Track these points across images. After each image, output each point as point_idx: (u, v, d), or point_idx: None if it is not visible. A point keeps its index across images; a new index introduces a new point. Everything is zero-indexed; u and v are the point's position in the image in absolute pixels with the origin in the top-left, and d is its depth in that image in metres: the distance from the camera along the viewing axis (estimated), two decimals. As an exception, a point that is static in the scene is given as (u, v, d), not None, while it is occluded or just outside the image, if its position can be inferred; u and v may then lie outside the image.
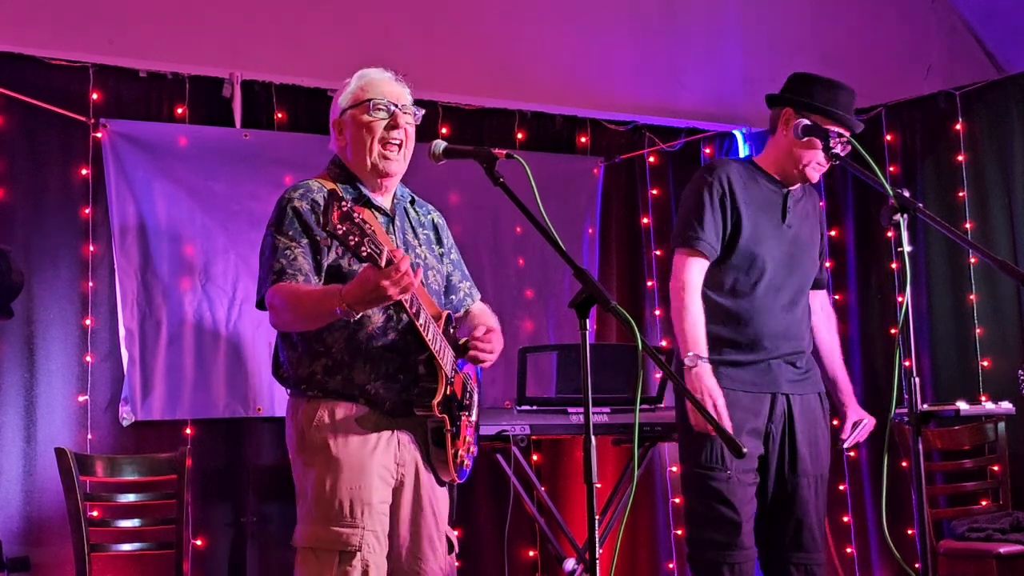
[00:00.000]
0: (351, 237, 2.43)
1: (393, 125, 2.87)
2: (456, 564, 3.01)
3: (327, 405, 2.81)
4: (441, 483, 2.95)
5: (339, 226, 2.41)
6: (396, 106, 2.88)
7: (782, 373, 3.47)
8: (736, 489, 3.38)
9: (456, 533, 3.02)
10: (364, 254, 2.46)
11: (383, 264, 2.49)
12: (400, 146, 2.89)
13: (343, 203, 2.42)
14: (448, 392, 2.84)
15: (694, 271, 3.43)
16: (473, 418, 3.02)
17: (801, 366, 3.52)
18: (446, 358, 2.84)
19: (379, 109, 2.87)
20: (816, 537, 3.47)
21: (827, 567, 3.54)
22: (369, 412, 2.81)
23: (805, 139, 3.34)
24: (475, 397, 3.03)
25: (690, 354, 3.35)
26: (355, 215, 2.43)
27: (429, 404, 2.79)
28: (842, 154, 3.33)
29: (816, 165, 3.48)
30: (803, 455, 3.46)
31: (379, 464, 2.80)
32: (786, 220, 3.52)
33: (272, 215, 2.86)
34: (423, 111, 2.96)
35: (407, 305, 2.67)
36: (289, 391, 2.92)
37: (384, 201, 2.94)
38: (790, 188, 3.55)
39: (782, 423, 3.46)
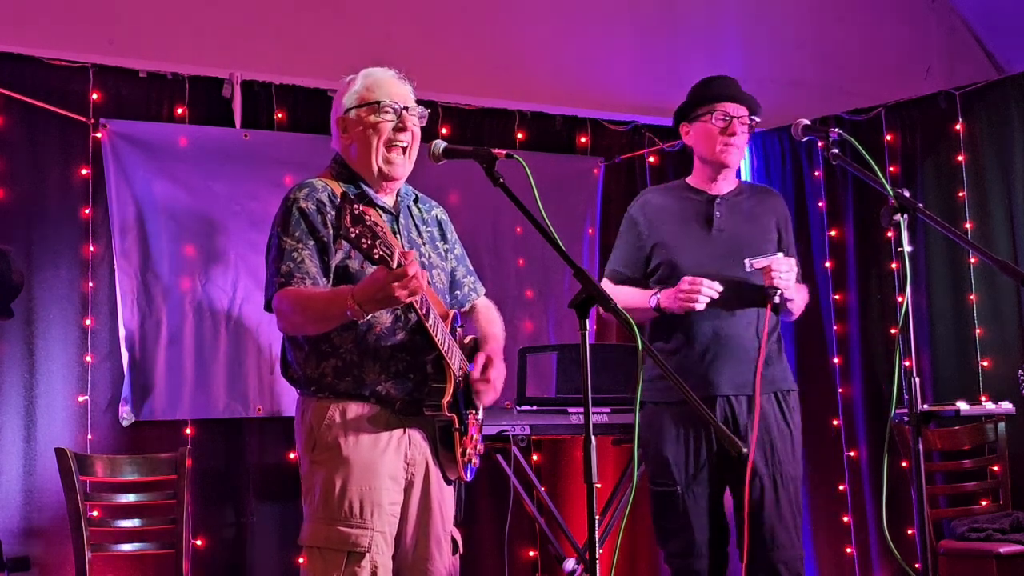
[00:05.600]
0: (363, 240, 2.44)
1: (401, 127, 2.89)
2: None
3: (338, 405, 2.81)
4: (448, 482, 2.95)
5: (352, 229, 2.42)
6: (404, 108, 2.89)
7: (720, 376, 3.48)
8: (686, 500, 3.48)
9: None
10: (376, 256, 2.47)
11: (394, 266, 2.50)
12: (406, 149, 2.91)
13: (355, 206, 2.43)
14: (456, 390, 2.84)
15: (607, 289, 3.60)
16: (480, 416, 3.03)
17: (747, 366, 3.50)
18: (454, 357, 2.85)
19: (387, 111, 2.88)
20: (779, 535, 3.46)
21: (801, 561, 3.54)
22: (380, 411, 2.82)
23: (697, 127, 3.62)
24: None
25: (650, 304, 3.48)
26: (367, 218, 2.44)
27: (439, 403, 2.80)
28: (741, 126, 3.55)
29: (721, 148, 3.57)
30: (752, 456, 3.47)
31: (390, 464, 2.80)
32: (714, 225, 3.58)
33: (277, 215, 2.86)
34: (428, 111, 2.97)
35: (417, 306, 2.67)
36: (299, 391, 2.91)
37: (387, 200, 2.95)
38: (720, 194, 3.63)
39: (726, 427, 3.45)
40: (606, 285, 3.63)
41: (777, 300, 3.48)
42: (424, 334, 2.78)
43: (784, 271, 3.46)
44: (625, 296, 3.55)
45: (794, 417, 3.57)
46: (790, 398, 3.58)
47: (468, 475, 2.97)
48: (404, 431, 2.84)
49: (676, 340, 3.52)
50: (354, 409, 2.81)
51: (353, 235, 2.43)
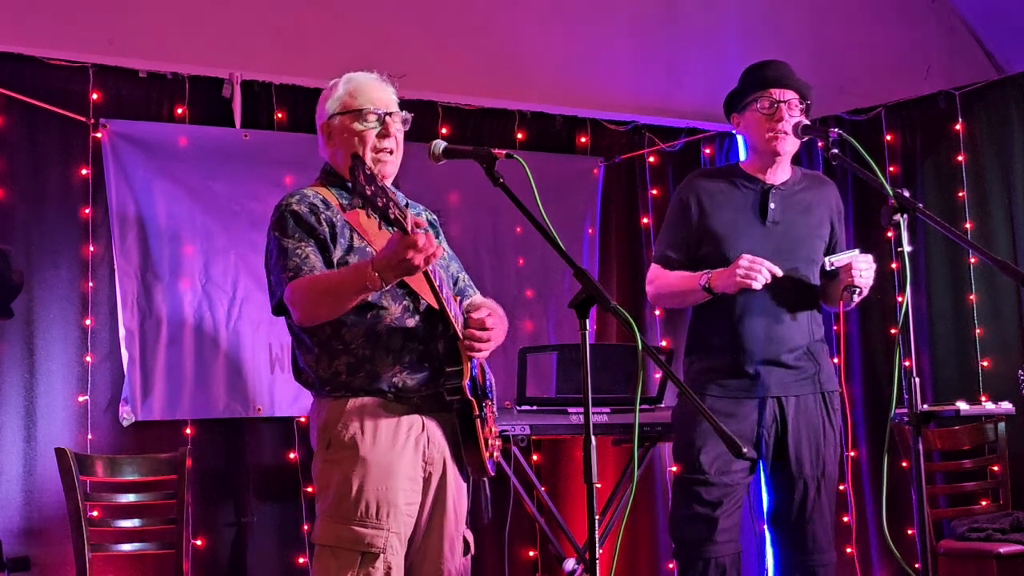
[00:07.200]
0: (379, 199, 2.44)
1: (384, 134, 2.87)
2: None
3: (355, 402, 2.78)
4: (465, 479, 2.93)
5: (367, 187, 2.42)
6: (387, 114, 2.89)
7: (771, 376, 3.46)
8: (713, 490, 3.43)
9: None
10: (392, 216, 2.47)
11: (409, 229, 2.49)
12: (391, 153, 2.90)
13: (367, 167, 2.43)
14: (473, 374, 2.82)
15: (656, 273, 3.60)
16: (494, 408, 3.01)
17: (798, 366, 3.50)
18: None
19: (369, 118, 2.87)
20: (819, 538, 3.47)
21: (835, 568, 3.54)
22: (397, 408, 2.80)
23: (747, 115, 3.51)
24: (493, 385, 3.03)
25: (700, 283, 3.41)
26: (379, 178, 2.44)
27: (458, 386, 2.78)
28: (789, 111, 3.44)
29: (769, 135, 3.48)
30: (799, 457, 3.46)
31: (408, 464, 2.78)
32: (768, 217, 3.50)
33: (272, 223, 2.85)
34: (412, 115, 2.96)
35: (431, 276, 2.67)
36: (314, 393, 2.89)
37: None
38: (775, 184, 3.54)
39: (774, 427, 3.46)
40: (656, 270, 3.58)
41: (857, 298, 3.39)
42: (432, 321, 2.78)
43: (864, 269, 3.38)
44: (674, 279, 3.51)
45: (836, 418, 3.57)
46: (834, 399, 3.57)
47: (491, 469, 2.93)
48: (423, 429, 2.82)
49: (726, 339, 3.48)
50: (371, 406, 2.78)
51: (369, 192, 2.42)
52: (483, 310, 2.89)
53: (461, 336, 2.80)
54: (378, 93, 2.91)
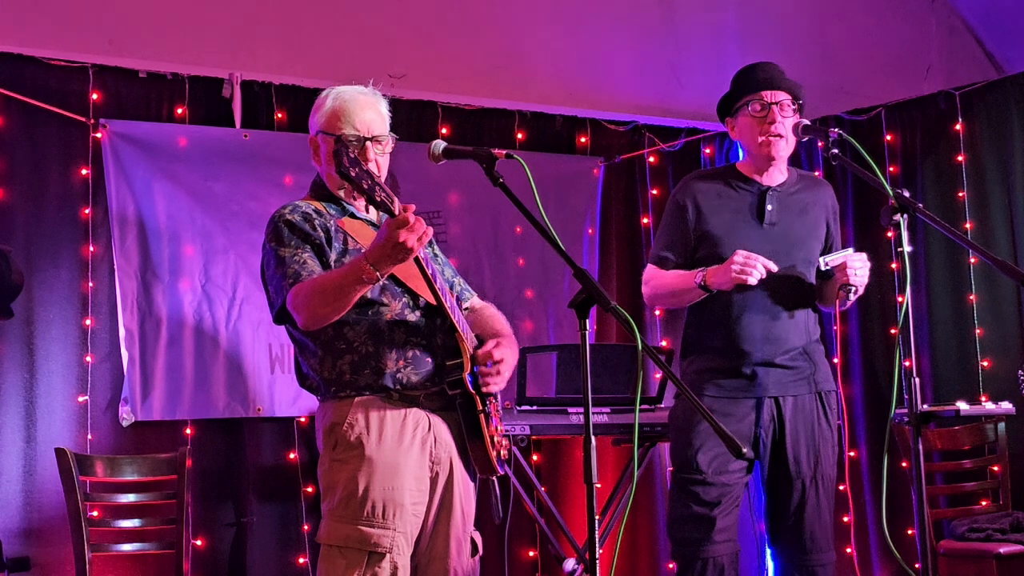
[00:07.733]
0: (363, 181, 2.44)
1: (364, 160, 2.83)
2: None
3: (361, 401, 2.78)
4: (473, 477, 2.92)
5: (351, 169, 2.42)
6: (368, 139, 2.86)
7: (768, 376, 3.46)
8: (711, 490, 3.42)
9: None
10: (378, 199, 2.46)
11: (396, 212, 2.49)
12: None
13: (350, 150, 2.42)
14: (474, 367, 2.81)
15: (652, 274, 3.60)
16: (499, 406, 3.00)
17: (795, 366, 3.50)
18: (465, 330, 2.84)
19: (350, 143, 2.85)
20: (818, 537, 3.47)
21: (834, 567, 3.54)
22: (403, 406, 2.79)
23: (740, 119, 3.50)
24: None
25: (695, 281, 3.40)
26: (363, 162, 2.44)
27: (459, 379, 2.77)
28: (781, 112, 3.43)
29: (763, 139, 3.46)
30: (796, 457, 3.46)
31: (414, 464, 2.78)
32: (766, 219, 3.49)
33: (267, 235, 2.85)
34: (396, 137, 2.94)
35: (423, 264, 2.67)
36: (319, 397, 2.89)
37: (372, 214, 2.94)
38: (772, 185, 3.54)
39: (772, 427, 3.46)
40: (651, 270, 3.57)
41: (852, 297, 3.40)
42: (432, 316, 2.78)
43: (859, 268, 3.37)
44: (669, 279, 3.51)
45: (833, 418, 3.56)
46: (831, 398, 3.56)
47: (500, 468, 2.92)
48: (430, 428, 2.82)
49: (723, 340, 3.47)
50: (377, 405, 2.78)
51: (353, 174, 2.42)
52: (490, 342, 2.86)
53: (459, 329, 2.80)
54: (363, 114, 2.88)
